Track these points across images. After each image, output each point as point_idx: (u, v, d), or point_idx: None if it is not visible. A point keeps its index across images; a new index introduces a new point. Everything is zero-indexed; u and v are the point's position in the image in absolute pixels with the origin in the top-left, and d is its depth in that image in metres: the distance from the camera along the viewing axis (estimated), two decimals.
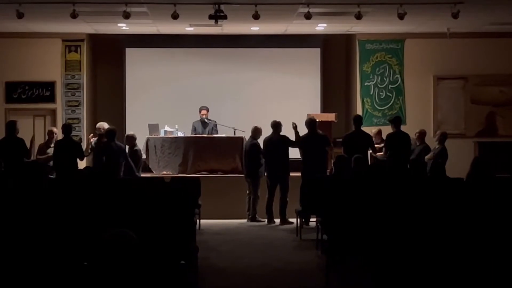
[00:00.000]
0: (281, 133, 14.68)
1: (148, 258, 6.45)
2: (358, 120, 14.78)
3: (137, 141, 14.91)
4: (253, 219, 14.69)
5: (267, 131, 14.81)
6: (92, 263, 5.73)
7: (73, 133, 15.52)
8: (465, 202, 9.48)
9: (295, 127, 14.46)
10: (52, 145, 14.76)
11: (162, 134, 16.10)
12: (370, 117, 17.26)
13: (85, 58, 17.28)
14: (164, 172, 15.67)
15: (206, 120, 16.42)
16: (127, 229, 5.72)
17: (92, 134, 15.19)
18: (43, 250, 7.00)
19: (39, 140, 15.72)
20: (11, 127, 14.08)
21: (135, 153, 14.53)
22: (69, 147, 14.19)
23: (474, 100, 17.56)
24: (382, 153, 15.03)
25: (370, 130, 15.71)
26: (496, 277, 7.01)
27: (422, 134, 15.16)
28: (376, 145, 15.06)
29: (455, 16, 13.36)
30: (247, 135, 15.29)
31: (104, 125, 14.95)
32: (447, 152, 14.62)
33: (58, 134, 15.09)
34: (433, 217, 8.64)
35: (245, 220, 14.75)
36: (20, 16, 13.13)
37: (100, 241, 5.38)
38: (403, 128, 15.00)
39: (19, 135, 14.10)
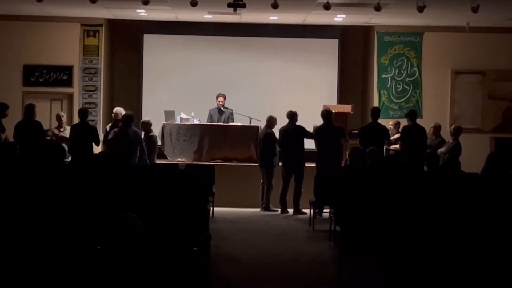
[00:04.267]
0: (297, 123, 14.65)
1: (161, 244, 6.48)
2: (376, 112, 14.74)
3: (153, 128, 14.95)
4: (266, 208, 14.70)
5: (282, 121, 14.79)
6: (104, 246, 5.77)
7: (90, 118, 15.60)
8: (479, 197, 9.45)
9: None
10: (62, 129, 14.88)
11: (178, 121, 16.11)
12: (387, 109, 17.24)
13: (103, 43, 17.32)
14: (179, 159, 15.71)
15: (222, 108, 16.42)
16: (139, 214, 5.75)
17: (111, 123, 15.24)
18: (56, 233, 7.04)
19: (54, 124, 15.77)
20: (30, 110, 14.13)
21: (150, 139, 14.56)
22: (85, 131, 14.25)
23: (491, 95, 17.51)
24: (397, 145, 15.03)
25: (387, 122, 15.70)
26: (508, 272, 7.00)
27: (436, 128, 15.15)
28: (393, 138, 15.07)
29: (475, 10, 13.29)
30: (262, 124, 15.29)
31: (121, 110, 15.00)
32: (461, 146, 14.57)
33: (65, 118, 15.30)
34: (446, 212, 8.62)
35: (258, 209, 14.77)
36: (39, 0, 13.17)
37: (109, 224, 5.43)
38: (419, 121, 14.95)
39: (36, 119, 14.17)
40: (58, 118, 15.28)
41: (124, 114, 14.50)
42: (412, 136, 14.45)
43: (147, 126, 14.72)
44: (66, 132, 14.95)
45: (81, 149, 13.82)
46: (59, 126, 15.15)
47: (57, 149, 11.53)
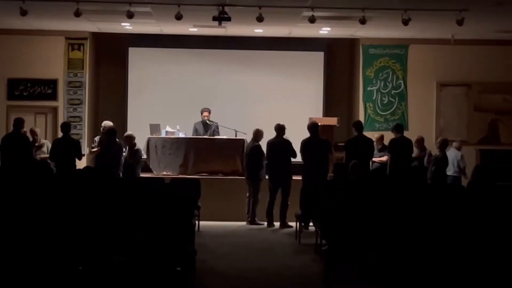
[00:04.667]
0: (284, 137, 14.61)
1: (146, 259, 6.43)
2: (359, 125, 14.76)
3: (138, 141, 14.88)
4: (252, 222, 14.65)
5: (268, 134, 14.76)
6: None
7: (74, 131, 15.51)
8: (465, 209, 9.44)
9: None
10: (37, 143, 14.80)
11: (163, 135, 16.06)
12: (372, 122, 17.24)
13: (88, 56, 17.26)
14: (165, 173, 15.64)
15: (208, 122, 16.38)
16: (123, 229, 5.69)
17: (99, 137, 15.17)
18: (41, 248, 6.97)
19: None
20: (19, 123, 14.14)
21: (135, 152, 14.50)
22: (67, 145, 14.16)
23: (477, 107, 17.54)
24: (382, 158, 15.04)
25: (373, 135, 15.68)
26: (496, 283, 6.98)
27: (419, 141, 15.11)
28: (380, 152, 15.10)
29: (459, 23, 13.34)
30: (248, 137, 15.24)
31: (110, 124, 14.94)
32: (447, 159, 14.58)
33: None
34: (433, 224, 8.61)
35: (244, 223, 14.71)
36: (23, 13, 13.11)
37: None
38: (405, 133, 14.97)
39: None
40: (33, 132, 15.09)
41: (107, 128, 14.44)
42: (400, 149, 14.44)
43: (130, 139, 14.64)
44: (42, 147, 14.89)
45: (64, 163, 13.74)
46: (34, 141, 14.95)
47: (46, 167, 11.51)
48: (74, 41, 17.19)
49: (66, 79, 17.19)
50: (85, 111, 17.27)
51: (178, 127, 16.25)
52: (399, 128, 14.79)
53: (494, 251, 7.69)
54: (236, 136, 16.08)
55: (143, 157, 15.18)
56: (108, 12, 14.14)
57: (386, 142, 15.20)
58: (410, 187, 11.68)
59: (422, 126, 16.97)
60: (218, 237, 13.24)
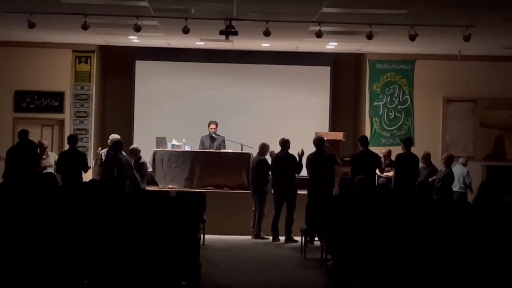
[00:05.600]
0: (290, 151, 14.59)
1: (151, 272, 6.42)
2: (365, 140, 14.74)
3: (144, 154, 14.90)
4: (257, 236, 14.63)
5: (274, 148, 14.75)
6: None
7: (81, 143, 15.53)
8: (472, 225, 9.41)
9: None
10: (45, 156, 14.78)
11: (169, 148, 16.08)
12: (378, 137, 17.24)
13: (95, 69, 17.31)
14: (170, 186, 15.64)
15: (214, 135, 16.39)
16: (128, 242, 5.68)
17: (100, 148, 15.19)
18: (46, 261, 6.96)
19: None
20: (24, 135, 14.16)
21: (141, 165, 14.52)
22: (74, 158, 14.17)
23: (483, 123, 17.53)
24: (388, 173, 15.02)
25: (380, 150, 15.66)
26: None
27: (425, 157, 15.03)
28: (387, 167, 15.09)
29: (466, 39, 13.34)
30: (254, 151, 15.24)
31: (117, 137, 14.93)
32: (453, 174, 14.55)
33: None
34: (438, 240, 8.58)
35: (249, 237, 14.69)
36: (31, 26, 13.14)
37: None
38: (411, 149, 14.92)
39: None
40: (40, 145, 15.01)
41: (114, 141, 14.44)
42: (405, 164, 14.39)
43: (136, 153, 14.67)
44: (49, 159, 14.88)
45: (70, 176, 13.75)
46: (41, 154, 14.91)
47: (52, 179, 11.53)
48: (81, 54, 17.24)
49: (73, 91, 17.23)
50: (92, 124, 17.30)
51: (184, 140, 16.27)
52: (408, 143, 14.65)
53: (501, 267, 7.66)
54: (242, 150, 16.09)
55: (148, 170, 15.18)
56: (116, 25, 14.18)
57: (393, 157, 15.15)
58: (416, 203, 11.65)
59: (428, 141, 16.95)
60: (223, 251, 13.22)
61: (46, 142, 15.29)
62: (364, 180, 12.54)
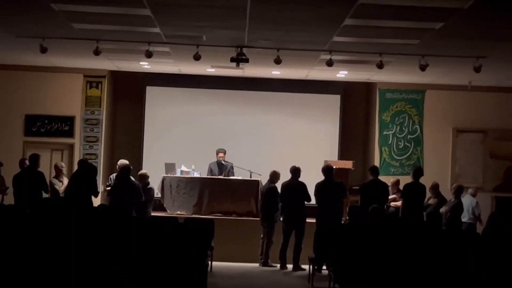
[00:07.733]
0: (300, 179, 14.57)
1: None
2: (375, 170, 14.72)
3: (153, 180, 14.89)
4: (265, 263, 14.58)
5: (283, 175, 14.74)
6: None
7: None
8: (480, 257, 9.37)
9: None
10: (61, 179, 14.73)
11: (178, 174, 16.08)
12: (388, 166, 17.21)
13: (105, 94, 17.36)
14: (179, 212, 15.63)
15: (223, 162, 16.40)
16: (136, 268, 5.67)
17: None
18: (53, 286, 6.96)
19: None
20: (35, 160, 14.11)
21: (148, 191, 14.50)
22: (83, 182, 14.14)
23: (493, 154, 17.50)
24: (397, 203, 14.97)
25: (388, 179, 15.63)
26: None
27: (434, 187, 14.95)
28: (393, 195, 15.03)
29: (477, 70, 13.33)
30: (263, 178, 15.23)
31: (126, 162, 14.91)
32: (463, 205, 14.50)
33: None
34: (447, 271, 8.55)
35: (257, 265, 14.65)
36: (43, 50, 13.19)
37: None
38: (420, 179, 14.88)
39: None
40: (57, 168, 15.01)
41: (122, 166, 14.42)
42: (412, 194, 14.34)
43: (144, 178, 14.64)
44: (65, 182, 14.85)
45: (79, 200, 13.72)
46: (57, 176, 14.87)
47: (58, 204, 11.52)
48: (92, 78, 17.30)
49: (83, 116, 17.28)
50: (101, 149, 17.34)
51: (193, 166, 16.28)
52: (417, 172, 14.58)
53: None
54: (251, 177, 16.09)
55: (156, 195, 15.17)
56: (127, 51, 14.25)
57: (401, 186, 15.12)
58: (425, 233, 11.61)
59: (437, 171, 16.91)
60: (231, 278, 13.18)
61: (62, 164, 15.12)
62: (378, 210, 12.51)
